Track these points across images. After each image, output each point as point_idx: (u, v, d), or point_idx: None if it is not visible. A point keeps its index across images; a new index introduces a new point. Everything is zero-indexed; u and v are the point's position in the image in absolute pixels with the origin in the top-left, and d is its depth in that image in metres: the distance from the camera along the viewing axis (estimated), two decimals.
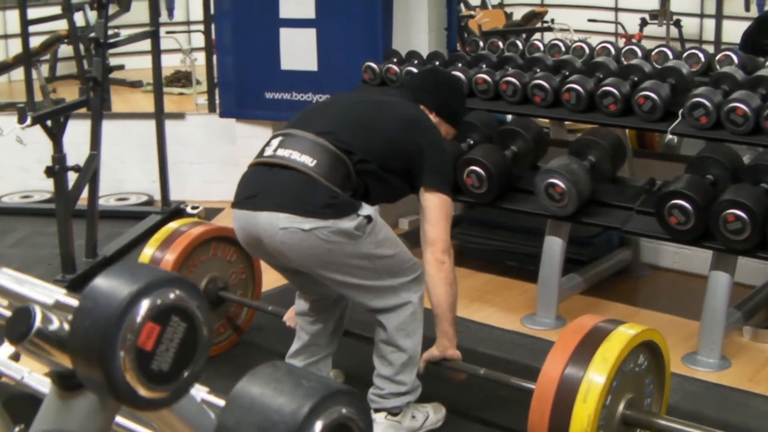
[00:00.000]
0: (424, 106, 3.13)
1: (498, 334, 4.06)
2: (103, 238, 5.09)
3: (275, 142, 2.91)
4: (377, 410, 3.03)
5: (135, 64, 8.82)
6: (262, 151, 2.95)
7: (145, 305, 1.06)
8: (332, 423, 1.12)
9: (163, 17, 8.78)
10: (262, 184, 2.86)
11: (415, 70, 4.77)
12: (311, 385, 1.14)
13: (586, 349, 2.49)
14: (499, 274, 4.78)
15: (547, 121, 5.14)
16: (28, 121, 4.27)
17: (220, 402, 1.38)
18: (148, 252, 3.62)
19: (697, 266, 4.46)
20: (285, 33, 5.58)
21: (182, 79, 9.06)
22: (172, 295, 1.08)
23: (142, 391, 1.07)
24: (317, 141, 2.83)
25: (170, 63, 8.66)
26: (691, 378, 3.54)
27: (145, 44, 5.94)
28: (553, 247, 4.09)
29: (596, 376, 2.42)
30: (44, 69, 8.77)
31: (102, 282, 1.08)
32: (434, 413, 3.18)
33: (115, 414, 1.24)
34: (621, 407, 2.52)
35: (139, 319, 1.06)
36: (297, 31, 5.55)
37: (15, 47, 8.14)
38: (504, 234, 4.97)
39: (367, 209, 2.81)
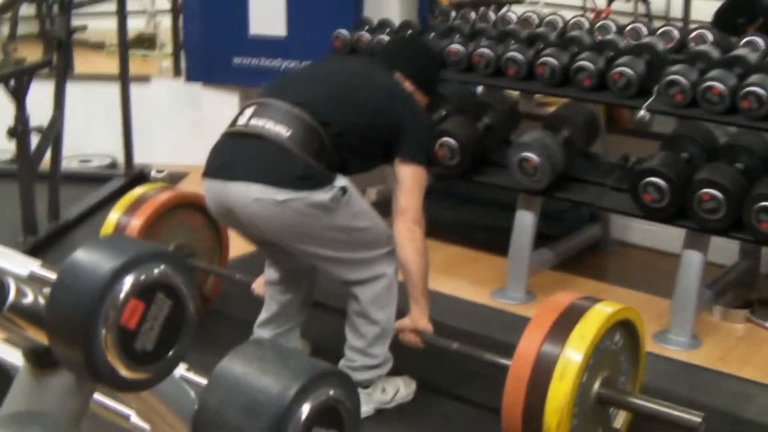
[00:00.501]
0: (399, 72, 3.06)
1: (467, 307, 4.03)
2: (66, 200, 4.99)
3: (249, 111, 2.83)
4: None
5: (97, 24, 8.64)
6: (235, 120, 2.86)
7: (128, 281, 1.00)
8: (320, 405, 1.07)
9: None
10: (235, 155, 2.78)
11: (387, 38, 4.70)
12: (299, 366, 1.09)
13: (564, 326, 2.47)
14: (468, 246, 4.75)
15: (516, 94, 5.09)
16: None
17: (201, 380, 1.32)
18: (113, 217, 3.54)
19: (666, 244, 4.45)
20: None
21: (146, 41, 8.89)
22: (157, 271, 1.02)
23: (124, 372, 1.01)
24: (293, 111, 2.75)
25: (134, 25, 8.50)
26: (662, 357, 3.54)
27: (109, 5, 5.80)
28: (525, 221, 4.05)
29: (573, 354, 2.40)
30: (4, 29, 8.58)
31: (82, 255, 1.02)
32: (405, 387, 3.15)
33: (92, 394, 1.18)
34: (597, 385, 2.50)
35: (122, 295, 0.99)
36: None
37: None
38: (472, 207, 4.94)
39: (342, 181, 2.76)
